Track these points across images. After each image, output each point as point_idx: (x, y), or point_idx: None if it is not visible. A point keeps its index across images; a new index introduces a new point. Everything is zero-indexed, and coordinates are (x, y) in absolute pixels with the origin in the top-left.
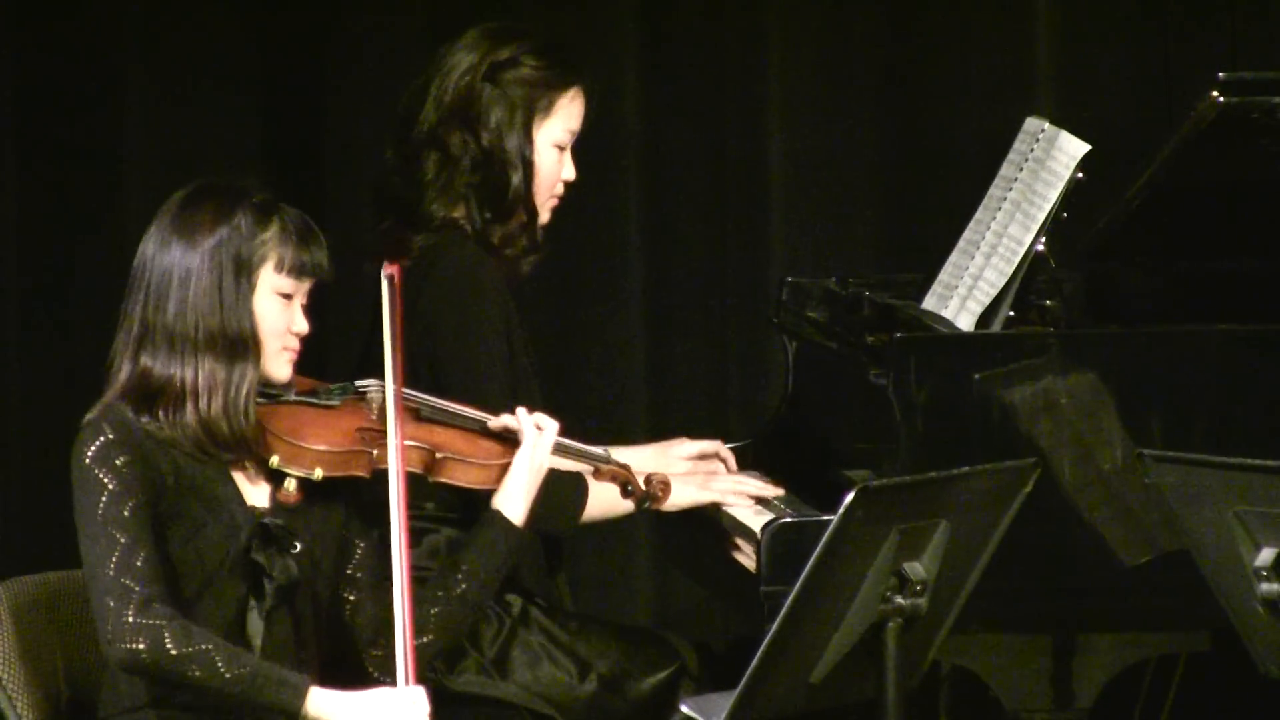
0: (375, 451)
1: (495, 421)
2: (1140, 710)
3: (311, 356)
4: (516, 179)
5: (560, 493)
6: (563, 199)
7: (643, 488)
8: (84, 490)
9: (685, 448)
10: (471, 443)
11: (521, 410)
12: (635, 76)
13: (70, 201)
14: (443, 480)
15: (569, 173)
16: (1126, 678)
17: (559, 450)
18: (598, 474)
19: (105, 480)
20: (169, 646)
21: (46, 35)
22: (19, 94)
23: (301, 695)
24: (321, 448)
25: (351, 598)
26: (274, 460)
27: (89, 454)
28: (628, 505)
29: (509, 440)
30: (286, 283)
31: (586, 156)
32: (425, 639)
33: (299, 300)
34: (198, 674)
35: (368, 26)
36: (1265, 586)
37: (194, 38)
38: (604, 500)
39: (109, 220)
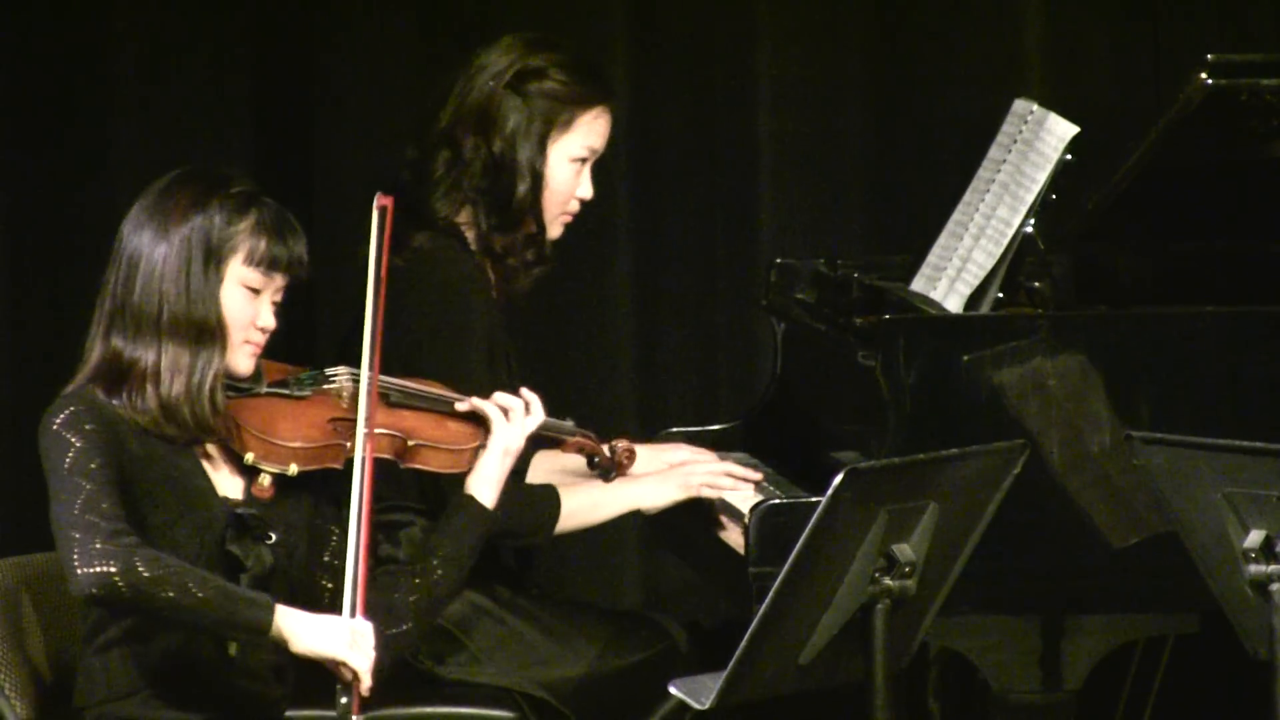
0: (348, 443)
1: (463, 404)
2: (1128, 692)
3: (301, 347)
4: (524, 189)
5: (533, 508)
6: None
7: (608, 456)
8: (52, 451)
9: (679, 454)
10: (442, 427)
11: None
12: (624, 58)
13: (58, 192)
14: (415, 466)
15: (585, 191)
16: (1115, 659)
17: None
18: (564, 445)
19: (72, 439)
20: (140, 569)
21: (33, 23)
22: (5, 84)
23: (270, 611)
24: (296, 444)
25: (330, 585)
26: (249, 457)
27: (57, 421)
28: (606, 510)
29: (479, 422)
30: (255, 276)
31: None
32: (405, 626)
33: (268, 296)
34: (171, 595)
35: (358, 16)
36: (1253, 568)
37: (183, 27)
38: (580, 510)
39: (96, 209)
